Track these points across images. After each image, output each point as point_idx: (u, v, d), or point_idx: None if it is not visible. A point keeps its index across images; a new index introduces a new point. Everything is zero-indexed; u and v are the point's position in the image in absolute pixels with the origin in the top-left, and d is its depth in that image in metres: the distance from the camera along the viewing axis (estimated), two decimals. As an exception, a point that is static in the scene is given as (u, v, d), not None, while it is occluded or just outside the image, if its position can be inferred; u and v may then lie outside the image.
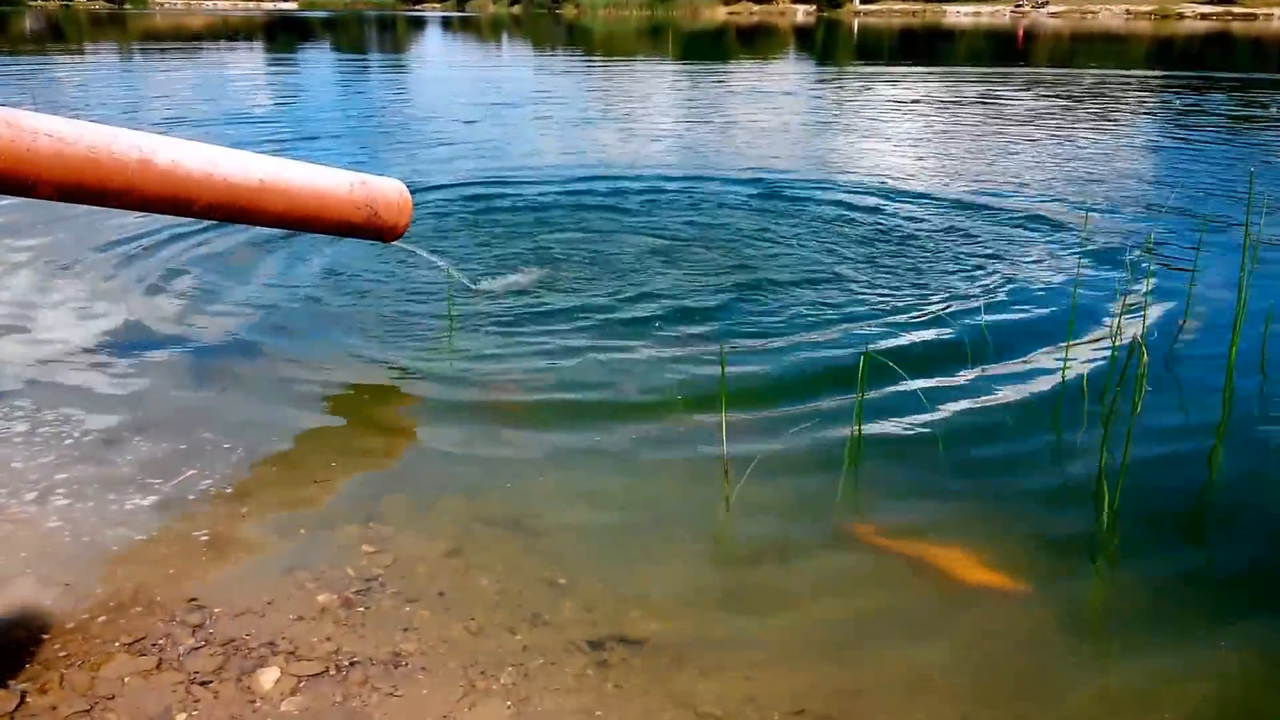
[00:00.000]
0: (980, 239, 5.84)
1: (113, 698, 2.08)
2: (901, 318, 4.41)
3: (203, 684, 2.12)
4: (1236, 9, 58.54)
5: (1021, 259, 5.41)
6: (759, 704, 2.09)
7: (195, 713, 2.04)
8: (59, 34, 33.90)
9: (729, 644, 2.30)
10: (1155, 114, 13.23)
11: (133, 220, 5.91)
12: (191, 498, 2.88)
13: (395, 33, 42.95)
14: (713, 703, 2.09)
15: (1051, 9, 63.80)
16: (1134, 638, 2.40)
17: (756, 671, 2.20)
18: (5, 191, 3.15)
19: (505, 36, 42.51)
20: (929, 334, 4.21)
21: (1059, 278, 5.01)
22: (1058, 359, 3.76)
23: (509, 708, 2.06)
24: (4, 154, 3.00)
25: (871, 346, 3.79)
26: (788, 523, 2.84)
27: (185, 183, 3.45)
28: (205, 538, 2.69)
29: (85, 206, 3.85)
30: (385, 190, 4.11)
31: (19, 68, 18.70)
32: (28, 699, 2.07)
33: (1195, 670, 2.27)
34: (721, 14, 64.86)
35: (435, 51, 32.19)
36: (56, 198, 3.27)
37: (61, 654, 2.21)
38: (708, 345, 4.03)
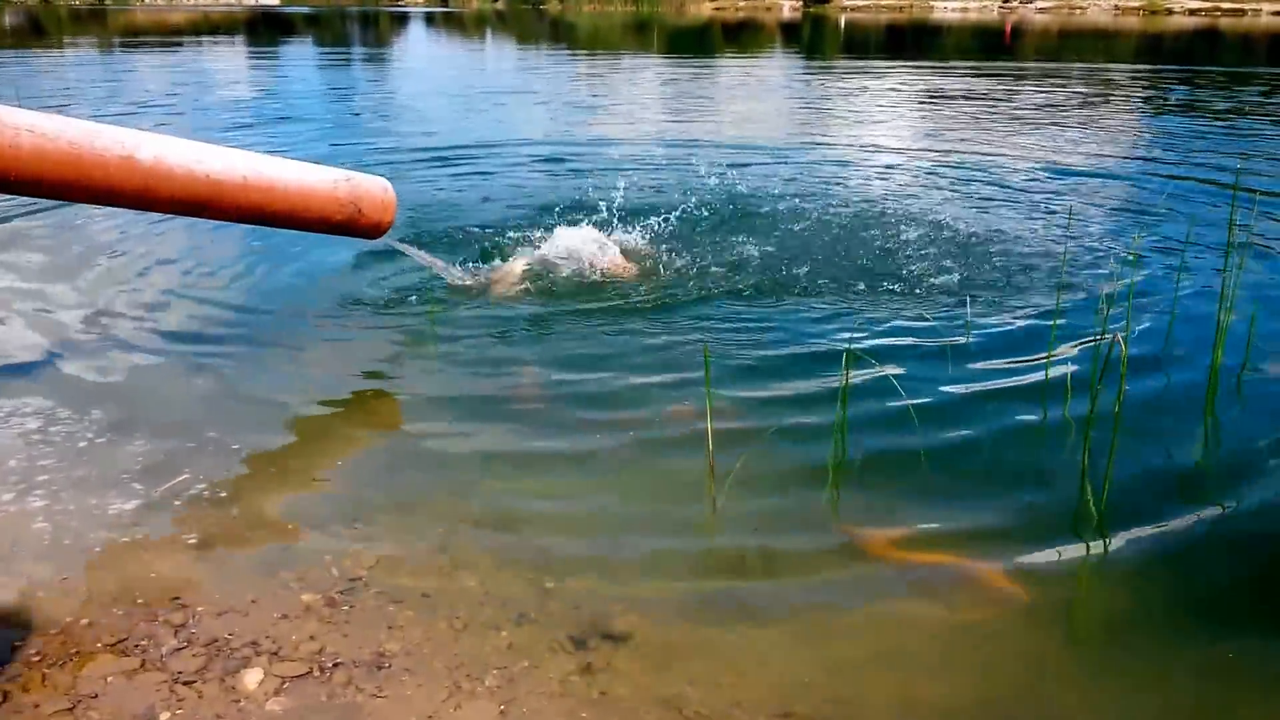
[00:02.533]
0: (967, 235, 5.84)
1: (95, 697, 2.07)
2: (886, 316, 4.41)
3: (186, 684, 2.11)
4: (1225, 4, 58.72)
5: (1007, 256, 5.40)
6: (746, 706, 2.09)
7: (179, 712, 2.03)
8: (39, 29, 33.69)
9: (716, 645, 2.30)
10: (1143, 107, 13.27)
11: (116, 216, 5.88)
12: (174, 497, 2.87)
13: (378, 28, 42.80)
14: (699, 704, 2.08)
15: (1039, 4, 63.92)
16: (1125, 643, 2.40)
17: (744, 673, 2.19)
18: (-13, 188, 3.13)
19: (489, 32, 42.40)
20: (914, 333, 4.21)
21: (1044, 273, 5.02)
22: (1043, 359, 3.76)
23: (495, 709, 2.05)
24: (-15, 150, 2.98)
25: (856, 346, 3.80)
26: (774, 523, 2.84)
27: (168, 179, 3.42)
28: (188, 537, 2.67)
29: (69, 202, 3.83)
30: (370, 187, 4.09)
31: (2, 65, 18.57)
32: (10, 697, 2.06)
33: (1188, 675, 2.28)
34: (707, 9, 64.81)
35: (418, 47, 32.09)
36: (38, 194, 3.25)
37: (44, 653, 2.20)
38: (693, 343, 4.02)
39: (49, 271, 4.99)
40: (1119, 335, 2.73)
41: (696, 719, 2.04)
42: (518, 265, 4.95)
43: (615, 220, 5.56)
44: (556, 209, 6.19)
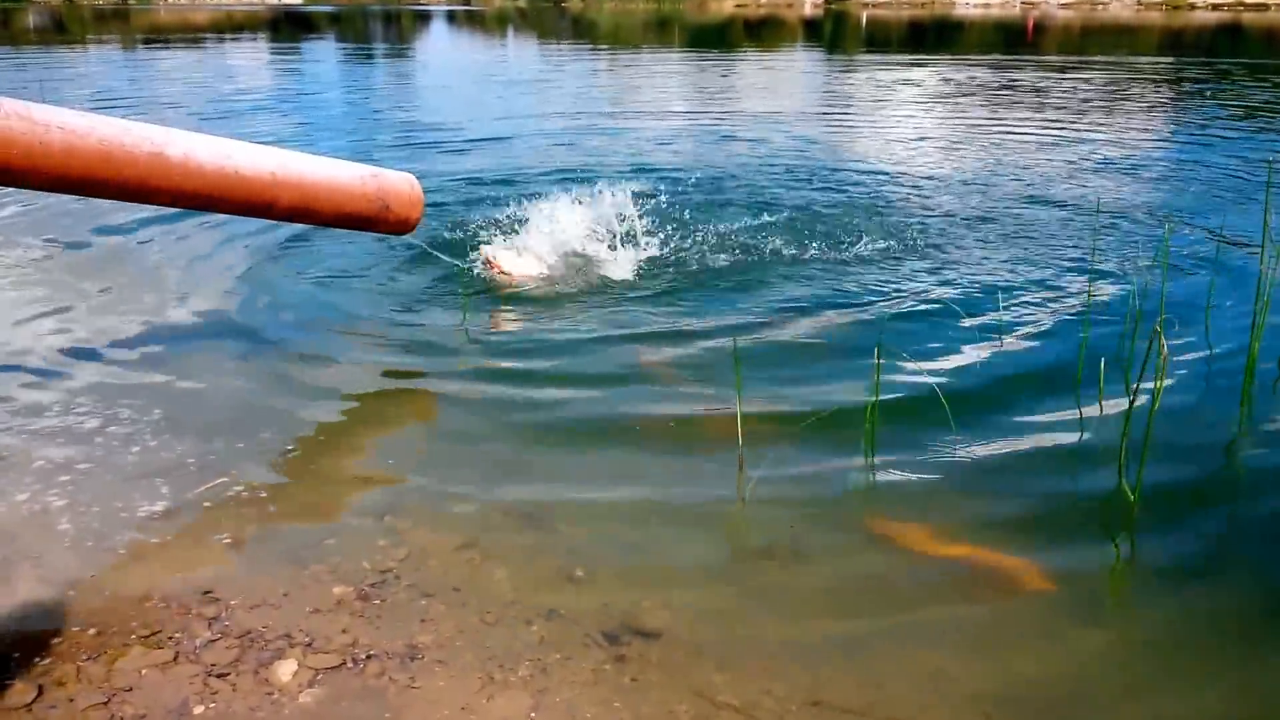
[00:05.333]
0: (996, 227, 5.82)
1: (130, 690, 2.08)
2: (917, 309, 4.40)
3: (220, 676, 2.12)
4: (1248, -1, 58.28)
5: (1038, 248, 5.38)
6: (776, 695, 2.08)
7: (213, 705, 2.04)
8: (62, 29, 33.91)
9: (745, 637, 2.30)
10: (1168, 102, 13.16)
11: (144, 214, 5.91)
12: (204, 492, 2.88)
13: (400, 26, 42.92)
14: (730, 694, 2.08)
15: (1062, 0, 63.58)
16: (1156, 634, 2.39)
17: (774, 664, 2.19)
18: (18, 185, 3.15)
19: (511, 30, 42.47)
20: (945, 326, 4.19)
21: (1076, 267, 4.99)
22: (1075, 350, 3.74)
23: (528, 699, 2.05)
24: (17, 146, 2.99)
25: (887, 338, 3.78)
26: (803, 515, 2.83)
27: (198, 176, 3.44)
28: (219, 532, 2.69)
29: (99, 200, 3.85)
30: (397, 184, 4.10)
31: (25, 62, 18.72)
32: (45, 691, 2.07)
33: (1220, 667, 2.26)
34: (729, 6, 64.79)
35: (441, 44, 32.19)
36: (69, 191, 3.27)
37: (78, 646, 2.21)
38: (722, 337, 4.01)
39: (81, 272, 5.03)
40: (1158, 327, 2.70)
41: (727, 708, 2.04)
42: (531, 266, 4.94)
43: (641, 213, 5.54)
44: (578, 203, 6.18)
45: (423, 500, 2.89)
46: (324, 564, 2.54)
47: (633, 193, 5.65)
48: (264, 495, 2.89)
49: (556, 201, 5.38)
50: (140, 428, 3.27)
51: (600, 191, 5.32)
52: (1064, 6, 60.92)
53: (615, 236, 5.17)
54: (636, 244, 5.22)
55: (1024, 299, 4.53)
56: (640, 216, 5.39)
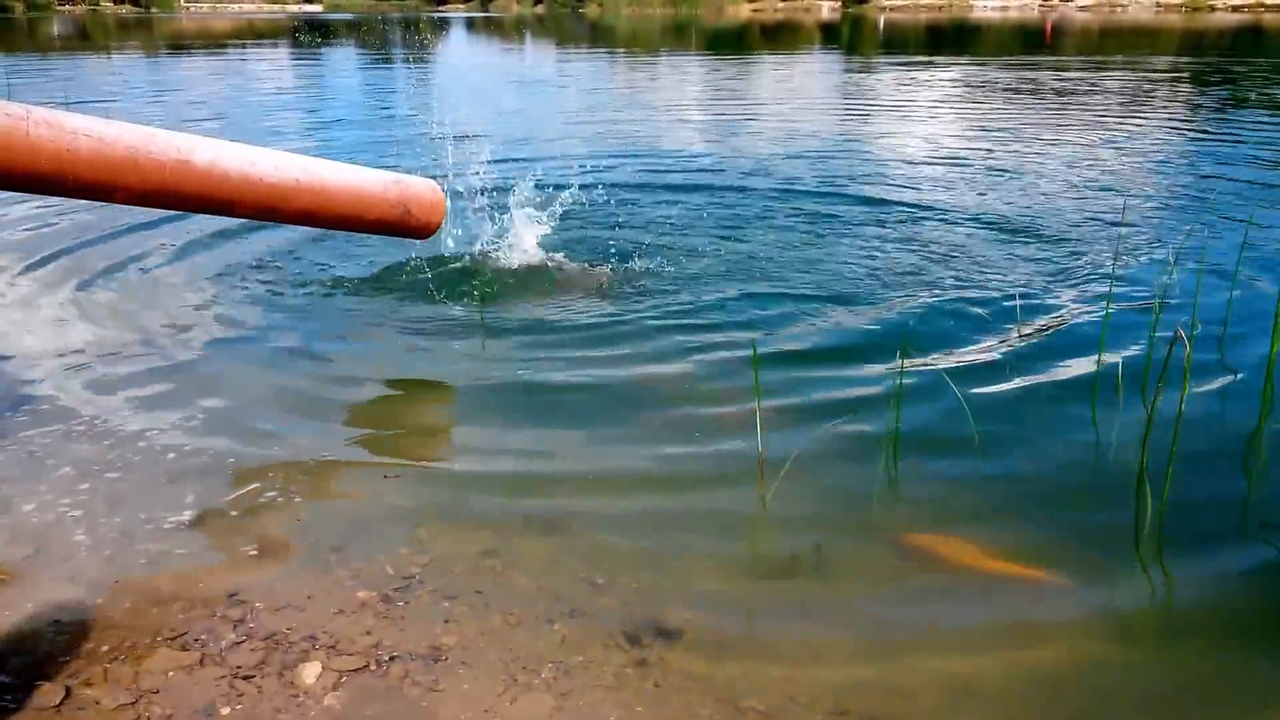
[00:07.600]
0: (1017, 230, 5.80)
1: (157, 692, 2.10)
2: (937, 311, 4.38)
3: (245, 678, 2.14)
4: (1269, 0, 57.90)
5: (1060, 252, 5.35)
6: (800, 702, 2.08)
7: (239, 707, 2.05)
8: (86, 37, 34.16)
9: (769, 641, 2.30)
10: (1191, 103, 13.08)
11: (165, 220, 5.95)
12: (229, 497, 2.90)
13: (419, 33, 43.08)
14: (754, 700, 2.08)
15: (1080, 2, 63.34)
16: (1183, 639, 2.38)
17: (798, 669, 2.19)
18: (46, 191, 3.18)
19: (529, 36, 42.59)
20: (966, 327, 4.18)
21: (1099, 272, 4.97)
22: (1097, 351, 3.72)
23: (551, 701, 2.06)
24: (45, 154, 3.02)
25: (908, 342, 3.78)
26: (825, 519, 2.83)
27: (222, 182, 3.47)
28: (245, 535, 2.71)
29: (122, 205, 3.87)
30: (419, 189, 4.13)
31: (51, 70, 18.86)
32: (73, 692, 2.09)
33: (1246, 671, 2.25)
34: (745, 11, 64.80)
35: (460, 50, 32.30)
36: (95, 197, 3.30)
37: (105, 648, 2.23)
38: (742, 341, 4.02)
39: (107, 277, 5.06)
40: (1180, 331, 2.69)
41: (752, 714, 2.04)
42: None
43: (669, 215, 5.56)
44: (605, 211, 6.20)
45: (445, 505, 2.90)
46: (347, 568, 2.55)
47: (648, 190, 5.66)
48: (289, 500, 2.90)
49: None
50: (167, 433, 3.29)
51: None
52: (1083, 9, 60.68)
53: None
54: (653, 243, 5.23)
55: (1045, 304, 4.51)
56: (660, 217, 5.41)
